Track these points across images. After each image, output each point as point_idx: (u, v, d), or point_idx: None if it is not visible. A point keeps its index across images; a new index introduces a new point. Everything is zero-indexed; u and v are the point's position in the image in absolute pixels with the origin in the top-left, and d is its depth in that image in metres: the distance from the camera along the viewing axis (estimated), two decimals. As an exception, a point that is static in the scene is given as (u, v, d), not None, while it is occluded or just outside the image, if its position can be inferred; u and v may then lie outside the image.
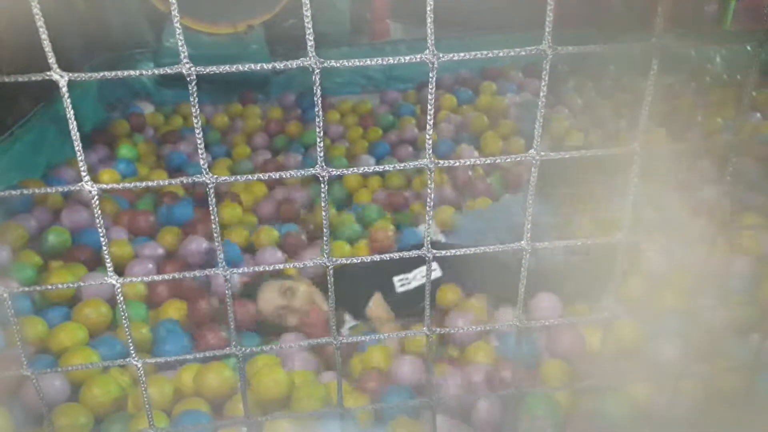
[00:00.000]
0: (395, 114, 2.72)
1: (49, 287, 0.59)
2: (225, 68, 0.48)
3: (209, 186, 0.52)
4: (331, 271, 0.57)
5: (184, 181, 0.50)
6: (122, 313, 0.56)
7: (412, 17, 3.26)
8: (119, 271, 1.79)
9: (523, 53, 0.50)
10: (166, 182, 0.56)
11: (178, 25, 0.45)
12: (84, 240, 1.88)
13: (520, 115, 2.58)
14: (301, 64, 0.48)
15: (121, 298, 0.54)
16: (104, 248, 0.50)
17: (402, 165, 0.52)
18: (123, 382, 1.42)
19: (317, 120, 0.51)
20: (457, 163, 0.53)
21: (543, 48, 0.49)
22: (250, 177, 0.53)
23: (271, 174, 0.52)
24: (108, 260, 0.52)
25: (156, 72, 0.48)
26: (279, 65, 0.49)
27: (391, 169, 0.53)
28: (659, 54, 0.52)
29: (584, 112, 2.67)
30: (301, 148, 2.56)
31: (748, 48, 2.89)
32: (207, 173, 0.51)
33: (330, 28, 2.90)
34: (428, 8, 0.46)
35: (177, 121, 2.77)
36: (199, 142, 0.49)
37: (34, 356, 1.48)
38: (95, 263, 1.81)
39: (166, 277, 0.60)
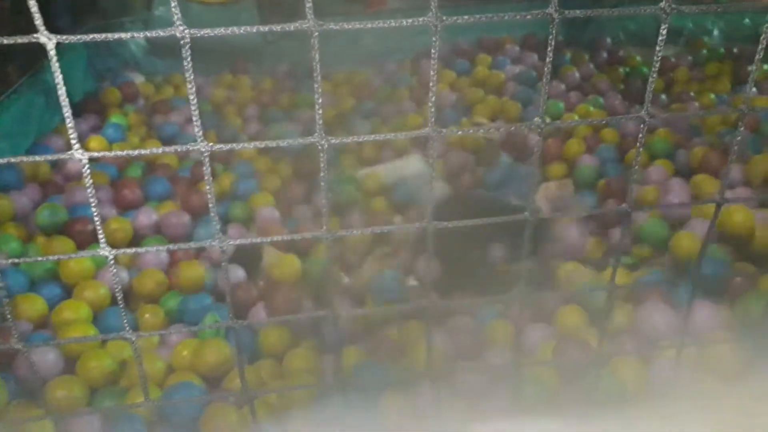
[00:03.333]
0: (392, 85, 2.68)
1: (40, 259, 0.58)
2: (220, 31, 0.46)
3: (204, 154, 0.50)
4: (330, 244, 0.56)
5: (179, 150, 0.49)
6: (116, 286, 0.55)
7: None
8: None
9: (529, 17, 0.49)
10: (160, 150, 0.54)
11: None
12: (82, 214, 1.84)
13: (516, 89, 2.55)
14: (300, 27, 0.46)
15: (114, 270, 0.53)
16: (95, 218, 0.49)
17: (404, 134, 0.50)
18: (127, 356, 1.42)
19: (315, 86, 0.49)
20: (460, 132, 0.51)
21: (549, 11, 0.48)
22: (246, 145, 0.52)
23: (268, 143, 0.50)
24: (100, 231, 0.50)
25: (148, 35, 0.46)
26: (276, 28, 0.47)
27: (392, 137, 0.51)
28: (667, 21, 0.50)
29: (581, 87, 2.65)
30: (294, 119, 2.51)
31: (746, 21, 2.87)
32: (202, 141, 0.49)
33: (323, -3, 2.84)
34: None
35: (168, 91, 2.73)
36: (193, 108, 0.48)
37: (31, 332, 1.47)
38: (93, 239, 1.79)
39: (160, 248, 0.59)
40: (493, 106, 2.43)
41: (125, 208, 1.93)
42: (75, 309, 1.51)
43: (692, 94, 2.55)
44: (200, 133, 0.52)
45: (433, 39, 0.48)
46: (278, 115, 2.53)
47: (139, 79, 2.79)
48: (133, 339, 0.62)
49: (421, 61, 2.81)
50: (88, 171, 0.48)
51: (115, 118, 2.43)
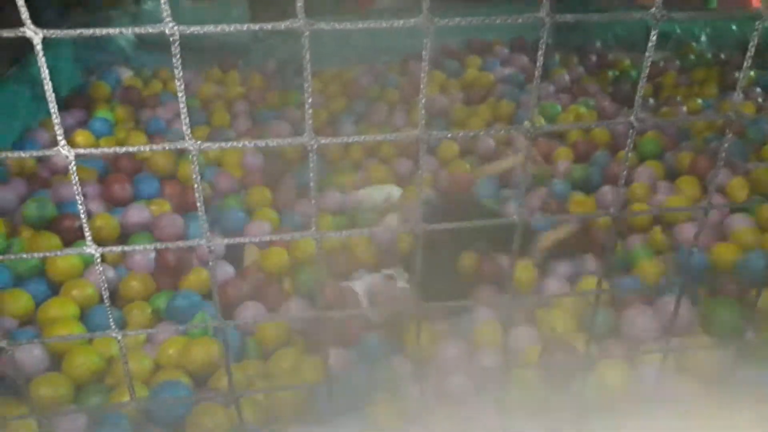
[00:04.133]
0: (381, 85, 2.68)
1: (26, 256, 0.57)
2: (210, 28, 0.45)
3: (193, 153, 0.50)
4: (320, 244, 0.56)
5: (166, 147, 0.48)
6: (102, 284, 0.54)
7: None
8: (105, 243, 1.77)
9: (520, 21, 0.49)
10: (146, 148, 0.54)
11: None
12: (70, 210, 1.81)
13: (505, 90, 2.55)
14: (290, 26, 0.46)
15: (100, 269, 0.52)
16: (82, 215, 0.48)
17: (393, 136, 0.50)
18: (114, 353, 1.41)
19: (306, 85, 0.49)
20: (450, 135, 0.51)
21: (541, 16, 0.48)
22: (234, 143, 0.51)
23: (256, 142, 0.50)
24: (86, 228, 0.49)
25: (137, 31, 0.46)
26: (267, 27, 0.47)
27: (382, 138, 0.51)
28: (657, 26, 0.51)
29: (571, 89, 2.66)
30: (284, 118, 2.50)
31: (734, 27, 2.89)
32: (190, 138, 0.48)
33: (314, -5, 2.83)
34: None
35: (156, 86, 2.70)
36: (182, 105, 0.47)
37: (16, 329, 1.46)
38: (80, 235, 1.77)
39: (148, 247, 0.58)
40: (484, 115, 2.42)
41: (114, 204, 1.91)
42: (62, 306, 1.49)
43: (679, 99, 2.57)
44: (188, 131, 0.51)
45: (425, 41, 0.48)
46: (267, 113, 2.51)
47: (126, 73, 2.76)
48: (119, 337, 0.61)
49: (410, 61, 2.81)
50: (74, 168, 0.47)
51: (101, 113, 2.41)
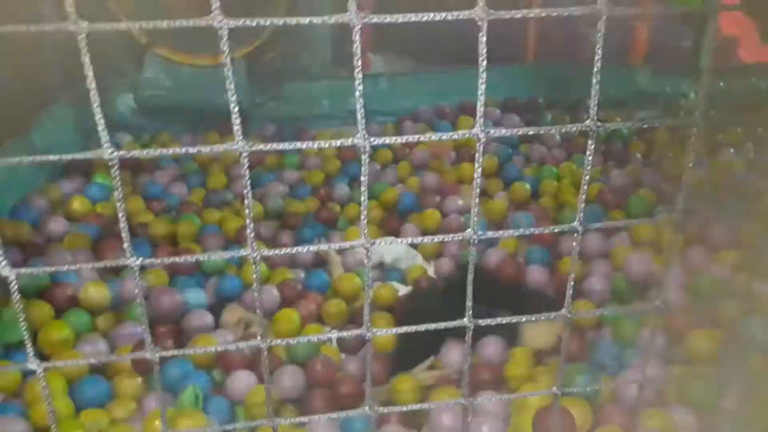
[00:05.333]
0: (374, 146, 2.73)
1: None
2: (151, 152, 0.47)
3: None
4: (267, 351, 0.56)
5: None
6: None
7: (392, 50, 3.28)
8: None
9: (456, 136, 0.50)
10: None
11: (100, 120, 0.44)
12: (63, 278, 1.82)
13: (497, 149, 2.60)
14: (230, 149, 0.47)
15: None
16: (24, 330, 0.48)
17: (338, 245, 0.50)
18: (103, 426, 1.39)
19: (247, 202, 0.50)
20: (394, 241, 0.52)
21: (476, 132, 0.49)
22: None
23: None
24: (28, 344, 0.49)
25: (80, 157, 0.47)
26: (206, 150, 0.48)
27: (329, 247, 0.51)
28: (596, 137, 0.52)
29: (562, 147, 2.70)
30: (281, 179, 2.55)
31: (721, 84, 2.94)
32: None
33: (311, 60, 2.91)
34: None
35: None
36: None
37: (2, 402, 1.46)
38: (72, 304, 1.78)
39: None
40: (469, 172, 2.46)
41: (108, 271, 1.91)
42: (50, 380, 1.48)
43: (671, 155, 2.60)
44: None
45: (363, 157, 0.49)
46: (265, 175, 2.56)
47: (126, 138, 2.81)
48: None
49: (405, 122, 2.88)
50: (16, 287, 0.48)
51: (99, 178, 2.45)
